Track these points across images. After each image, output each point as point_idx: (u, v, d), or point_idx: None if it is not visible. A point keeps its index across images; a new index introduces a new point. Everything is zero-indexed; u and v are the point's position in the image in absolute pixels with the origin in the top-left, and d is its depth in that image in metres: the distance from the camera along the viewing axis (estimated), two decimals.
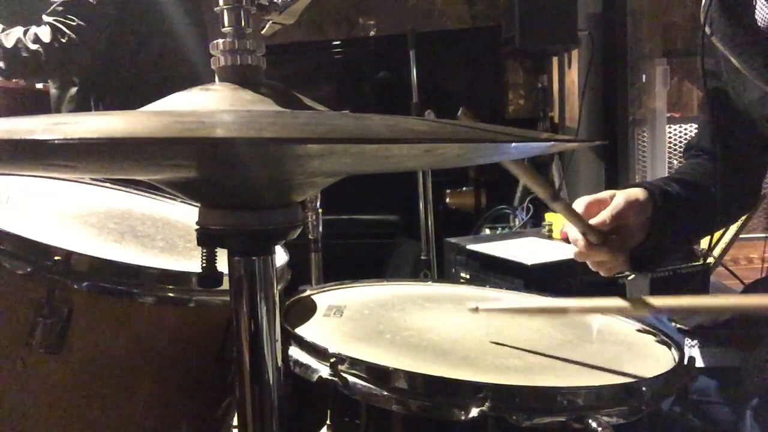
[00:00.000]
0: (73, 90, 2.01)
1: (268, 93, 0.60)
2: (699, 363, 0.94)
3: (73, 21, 1.83)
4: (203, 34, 2.06)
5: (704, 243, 1.84)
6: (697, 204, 1.06)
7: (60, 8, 1.84)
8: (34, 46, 1.83)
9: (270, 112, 0.57)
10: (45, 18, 1.86)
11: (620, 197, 0.95)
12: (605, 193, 0.97)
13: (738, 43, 0.98)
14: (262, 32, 0.72)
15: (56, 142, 0.37)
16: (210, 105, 0.58)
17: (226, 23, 0.62)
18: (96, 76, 1.95)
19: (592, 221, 0.93)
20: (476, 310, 0.88)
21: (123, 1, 1.91)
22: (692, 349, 0.98)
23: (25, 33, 1.86)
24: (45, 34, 1.83)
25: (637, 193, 0.97)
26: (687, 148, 1.20)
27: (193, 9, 2.03)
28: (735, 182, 1.09)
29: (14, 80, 2.16)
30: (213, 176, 0.55)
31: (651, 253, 0.99)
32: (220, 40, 0.62)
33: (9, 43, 1.86)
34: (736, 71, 1.00)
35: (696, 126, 1.27)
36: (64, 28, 1.83)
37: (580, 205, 0.96)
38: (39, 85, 2.51)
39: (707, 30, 1.01)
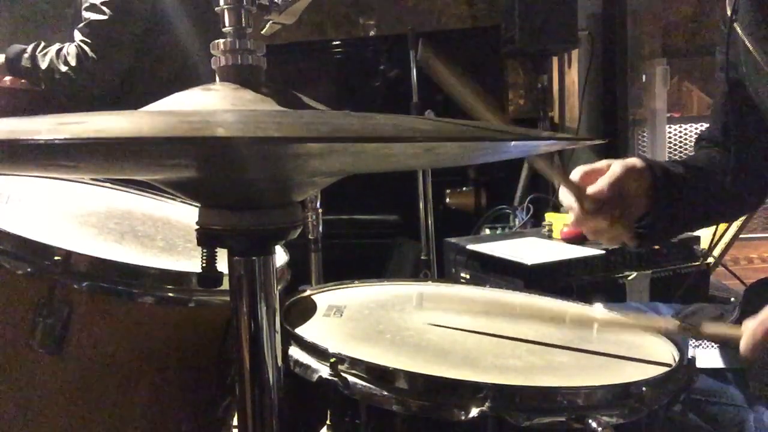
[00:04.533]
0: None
1: (268, 93, 0.60)
2: (713, 363, 0.94)
3: (96, 42, 1.85)
4: None
5: (704, 243, 1.84)
6: (700, 187, 1.06)
7: (86, 29, 1.86)
8: (64, 68, 1.87)
9: (273, 111, 0.57)
10: (75, 35, 1.89)
11: (617, 165, 0.96)
12: (602, 163, 0.98)
13: (762, 35, 0.98)
14: (263, 32, 0.72)
15: (61, 142, 0.37)
16: (211, 105, 0.58)
17: (226, 23, 0.62)
18: (116, 90, 1.96)
19: (590, 189, 0.94)
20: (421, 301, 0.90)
21: (149, 19, 1.92)
22: (698, 349, 0.98)
23: (57, 53, 1.89)
24: (72, 56, 1.86)
25: (635, 161, 0.98)
26: (698, 140, 1.21)
27: (214, 28, 2.03)
28: (744, 176, 1.10)
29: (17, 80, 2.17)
30: (213, 176, 0.55)
31: (653, 227, 1.00)
32: (221, 40, 0.62)
33: (44, 65, 1.90)
34: (754, 64, 1.00)
35: (700, 125, 1.28)
36: (88, 50, 1.85)
37: (576, 174, 0.97)
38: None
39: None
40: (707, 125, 1.21)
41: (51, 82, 1.91)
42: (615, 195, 0.94)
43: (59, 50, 1.89)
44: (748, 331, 0.79)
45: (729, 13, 1.02)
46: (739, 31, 1.01)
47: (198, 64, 1.95)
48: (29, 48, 1.94)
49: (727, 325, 0.86)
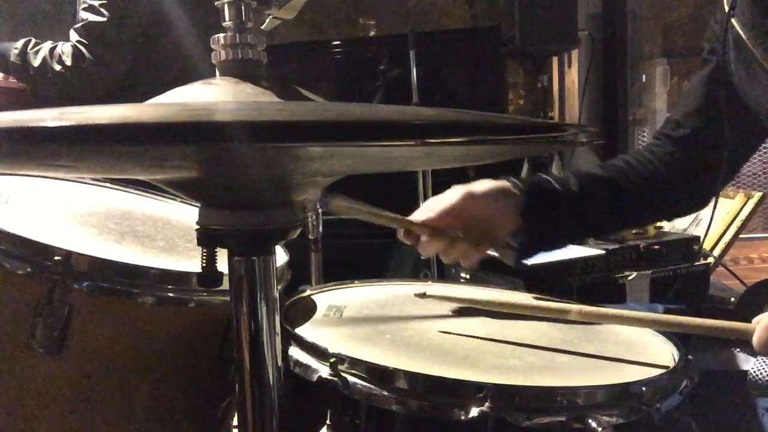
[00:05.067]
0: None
1: (269, 86, 0.60)
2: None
3: (94, 44, 1.83)
4: None
5: (705, 243, 1.84)
6: (598, 199, 1.08)
7: (83, 30, 1.84)
8: (58, 68, 1.84)
9: (276, 101, 0.58)
10: (71, 35, 1.87)
11: (456, 191, 0.99)
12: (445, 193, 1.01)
13: (761, 32, 0.98)
14: (262, 27, 0.72)
15: (66, 128, 0.37)
16: (213, 98, 0.58)
17: (227, 17, 0.62)
18: (117, 93, 1.96)
19: (421, 216, 0.97)
20: (423, 295, 0.91)
21: (148, 21, 1.91)
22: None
23: (51, 51, 1.86)
24: (68, 56, 1.84)
25: (484, 185, 1.01)
26: (666, 123, 1.20)
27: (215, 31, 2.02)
28: (696, 168, 1.12)
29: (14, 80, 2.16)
30: (213, 176, 0.55)
31: (525, 243, 1.03)
32: (221, 35, 0.62)
33: (36, 63, 1.87)
34: (748, 61, 1.00)
35: None
36: (85, 52, 1.83)
37: (423, 206, 1.00)
38: None
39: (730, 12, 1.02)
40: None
41: (43, 80, 1.88)
42: (451, 221, 0.96)
43: (53, 49, 1.87)
44: (762, 326, 0.80)
45: (726, 9, 1.02)
46: (737, 27, 1.01)
47: (199, 67, 1.94)
48: (19, 44, 1.91)
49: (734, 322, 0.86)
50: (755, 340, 0.80)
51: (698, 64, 1.16)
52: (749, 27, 0.99)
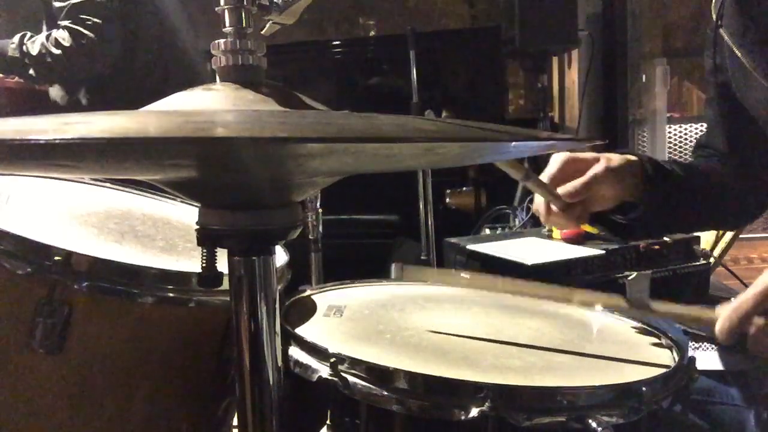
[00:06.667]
0: (83, 101, 2.03)
1: (269, 93, 0.60)
2: (712, 365, 0.94)
3: (89, 20, 1.85)
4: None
5: (704, 243, 1.84)
6: (698, 188, 1.07)
7: (72, 12, 1.87)
8: (57, 51, 1.87)
9: (276, 112, 0.57)
10: (61, 23, 1.88)
11: (601, 165, 0.96)
12: (588, 155, 0.98)
13: (749, 41, 0.98)
14: (262, 32, 0.72)
15: (69, 142, 0.37)
16: (212, 105, 0.58)
17: (227, 23, 0.62)
18: (106, 89, 1.97)
19: (561, 190, 0.94)
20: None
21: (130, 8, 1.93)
22: (697, 351, 0.98)
23: (47, 38, 1.89)
24: (65, 38, 1.86)
25: (619, 160, 0.98)
26: (697, 147, 1.20)
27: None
28: (744, 184, 1.10)
29: (15, 79, 2.17)
30: (213, 176, 0.55)
31: (646, 221, 1.02)
32: (221, 40, 0.62)
33: (35, 51, 1.91)
34: (742, 69, 1.00)
35: (700, 125, 1.29)
36: (82, 29, 1.85)
37: (557, 159, 0.97)
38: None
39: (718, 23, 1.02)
40: (704, 129, 1.21)
41: (42, 67, 1.91)
42: (584, 197, 0.94)
43: (48, 35, 1.91)
44: (724, 315, 0.80)
45: (714, 18, 1.02)
46: (726, 37, 1.01)
47: (187, 45, 1.95)
48: (15, 39, 1.96)
49: (697, 307, 0.86)
50: (718, 329, 0.81)
51: (699, 64, 1.18)
52: (737, 36, 1.00)
